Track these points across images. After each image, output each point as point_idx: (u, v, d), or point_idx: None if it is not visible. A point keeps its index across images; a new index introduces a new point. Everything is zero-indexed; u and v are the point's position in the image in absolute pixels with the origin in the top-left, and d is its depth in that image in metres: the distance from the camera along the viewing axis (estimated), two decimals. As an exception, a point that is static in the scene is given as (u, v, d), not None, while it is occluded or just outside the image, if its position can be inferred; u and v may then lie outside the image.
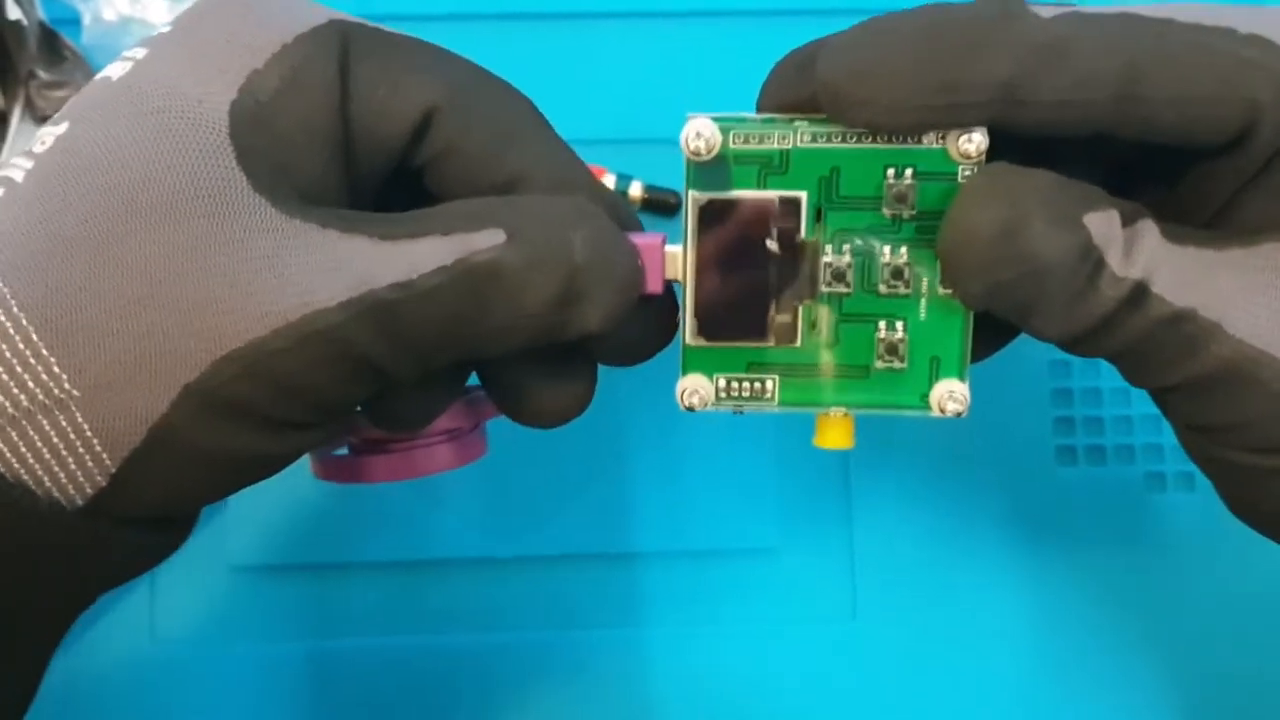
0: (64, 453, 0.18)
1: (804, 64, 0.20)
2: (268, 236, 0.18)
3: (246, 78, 0.19)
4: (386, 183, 0.22)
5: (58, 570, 0.19)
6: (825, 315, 0.21)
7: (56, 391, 0.18)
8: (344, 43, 0.20)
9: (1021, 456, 0.33)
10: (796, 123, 0.20)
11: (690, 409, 0.21)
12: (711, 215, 0.20)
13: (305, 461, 0.24)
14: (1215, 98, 0.19)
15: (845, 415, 0.21)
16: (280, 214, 0.19)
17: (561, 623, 0.32)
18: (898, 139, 0.20)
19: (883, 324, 0.21)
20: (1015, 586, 0.33)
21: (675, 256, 0.21)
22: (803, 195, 0.20)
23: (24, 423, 0.18)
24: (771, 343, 0.21)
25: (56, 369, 0.18)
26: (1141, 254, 0.19)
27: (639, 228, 0.22)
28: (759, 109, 0.21)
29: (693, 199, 0.21)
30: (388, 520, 0.32)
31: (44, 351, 0.18)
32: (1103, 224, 0.19)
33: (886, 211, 0.20)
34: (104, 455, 0.18)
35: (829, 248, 0.21)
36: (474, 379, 0.23)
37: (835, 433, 0.22)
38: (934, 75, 0.19)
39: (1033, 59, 0.18)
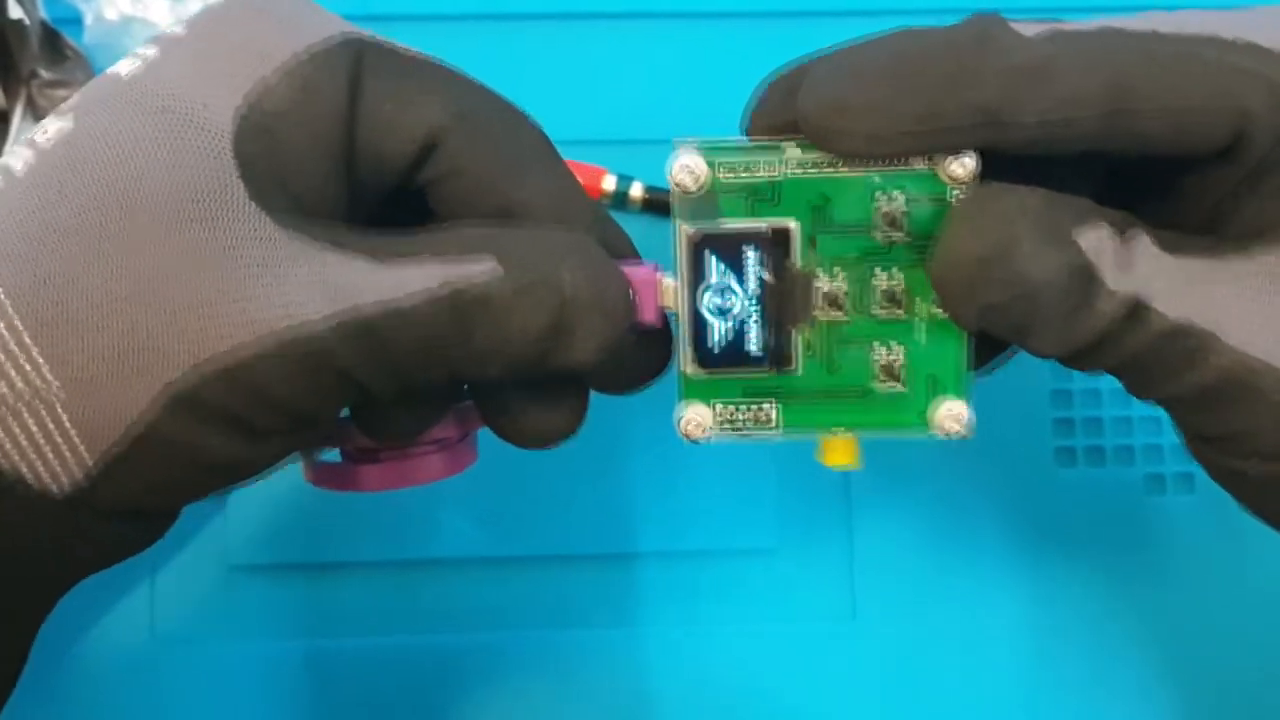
0: (43, 444, 0.18)
1: (789, 90, 0.20)
2: (260, 246, 0.18)
3: (254, 85, 0.19)
4: (389, 197, 0.22)
5: (39, 555, 0.19)
6: (823, 340, 0.21)
7: (38, 382, 0.18)
8: (356, 59, 0.20)
9: (1021, 457, 0.33)
10: (785, 149, 0.20)
11: (691, 439, 0.21)
12: (703, 246, 0.21)
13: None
14: (1206, 107, 0.19)
15: (849, 435, 0.21)
16: (275, 225, 0.19)
17: (561, 623, 0.32)
18: (886, 163, 0.20)
19: (880, 347, 0.21)
20: (1014, 587, 0.33)
21: (669, 287, 0.21)
22: (794, 224, 0.20)
23: (3, 410, 0.18)
24: (770, 370, 0.21)
25: (39, 358, 0.18)
26: (1136, 267, 0.19)
27: (636, 255, 0.22)
28: (747, 133, 0.21)
29: (683, 233, 0.21)
30: (386, 520, 0.32)
31: (27, 339, 0.18)
32: (1095, 239, 0.19)
33: (878, 235, 0.20)
34: (83, 449, 0.18)
35: (822, 273, 0.21)
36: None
37: (840, 452, 0.22)
38: (913, 106, 0.19)
39: (1014, 82, 0.18)
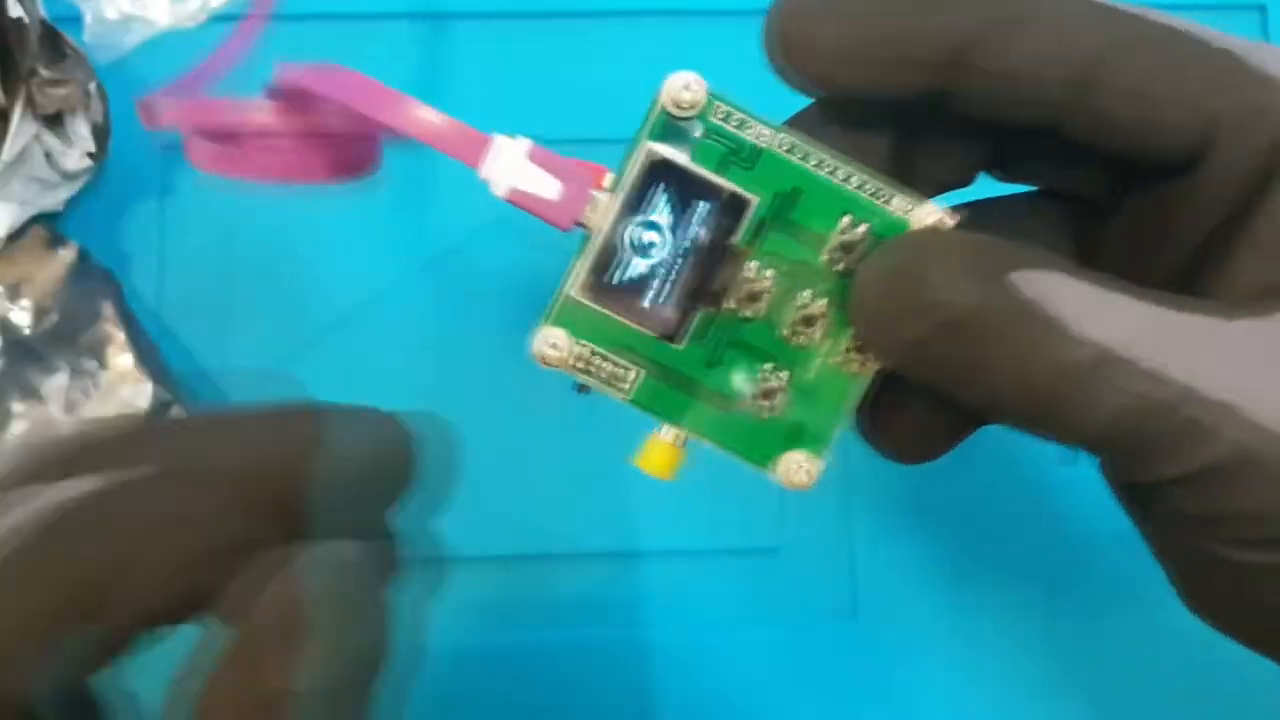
0: None
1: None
2: None
3: None
4: None
5: None
6: (718, 332, 0.20)
7: None
8: None
9: (1022, 456, 0.33)
10: (782, 131, 0.19)
11: (541, 360, 0.19)
12: (656, 176, 0.19)
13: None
14: (1176, 99, 0.18)
15: (678, 443, 0.20)
16: None
17: (561, 623, 0.32)
18: (865, 187, 0.19)
19: (768, 367, 0.20)
20: (1015, 587, 0.33)
21: (601, 202, 0.19)
22: (754, 200, 0.19)
23: None
24: (654, 333, 0.19)
25: None
26: (1106, 316, 0.17)
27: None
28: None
29: (646, 150, 0.19)
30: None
31: None
32: (1040, 281, 0.17)
33: (826, 255, 0.19)
34: None
35: (754, 264, 0.19)
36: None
37: (658, 459, 0.20)
38: (886, 25, 0.18)
39: (993, 22, 0.17)
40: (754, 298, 0.19)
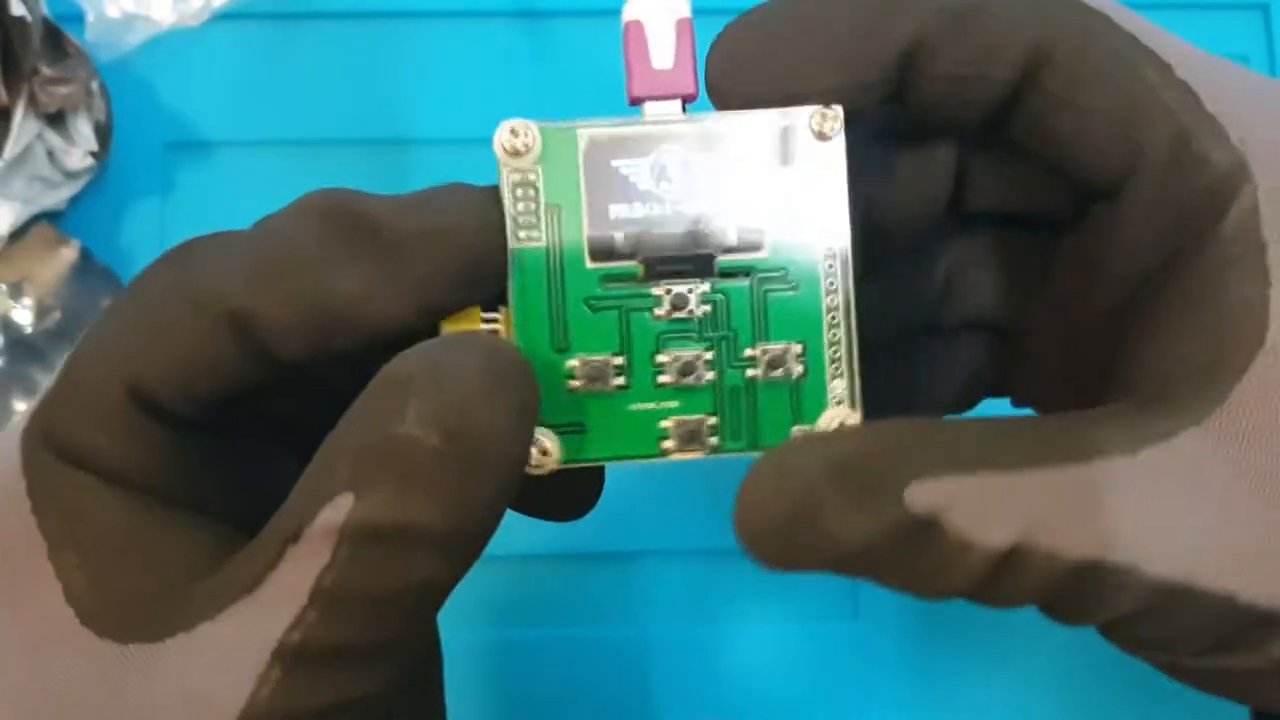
0: None
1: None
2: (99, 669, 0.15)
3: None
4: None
5: None
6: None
7: None
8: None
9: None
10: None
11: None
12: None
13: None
14: (1113, 119, 0.16)
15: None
16: (106, 642, 0.15)
17: (561, 622, 0.32)
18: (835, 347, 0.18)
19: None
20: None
21: (667, 112, 0.18)
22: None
23: None
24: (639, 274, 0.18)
25: None
26: (1007, 514, 0.15)
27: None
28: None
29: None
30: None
31: None
32: (938, 491, 0.15)
33: (756, 351, 0.18)
34: None
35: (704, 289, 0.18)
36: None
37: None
38: (829, 55, 0.17)
39: (937, 22, 0.16)
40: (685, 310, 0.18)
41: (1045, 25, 0.17)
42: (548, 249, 0.17)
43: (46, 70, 0.31)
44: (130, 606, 0.16)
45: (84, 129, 0.32)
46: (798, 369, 0.18)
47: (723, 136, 0.18)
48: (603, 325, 0.18)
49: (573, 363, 0.18)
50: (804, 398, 0.18)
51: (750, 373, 0.18)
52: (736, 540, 0.16)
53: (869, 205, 0.19)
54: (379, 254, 0.16)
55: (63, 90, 0.31)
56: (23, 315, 0.32)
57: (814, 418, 0.18)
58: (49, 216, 0.32)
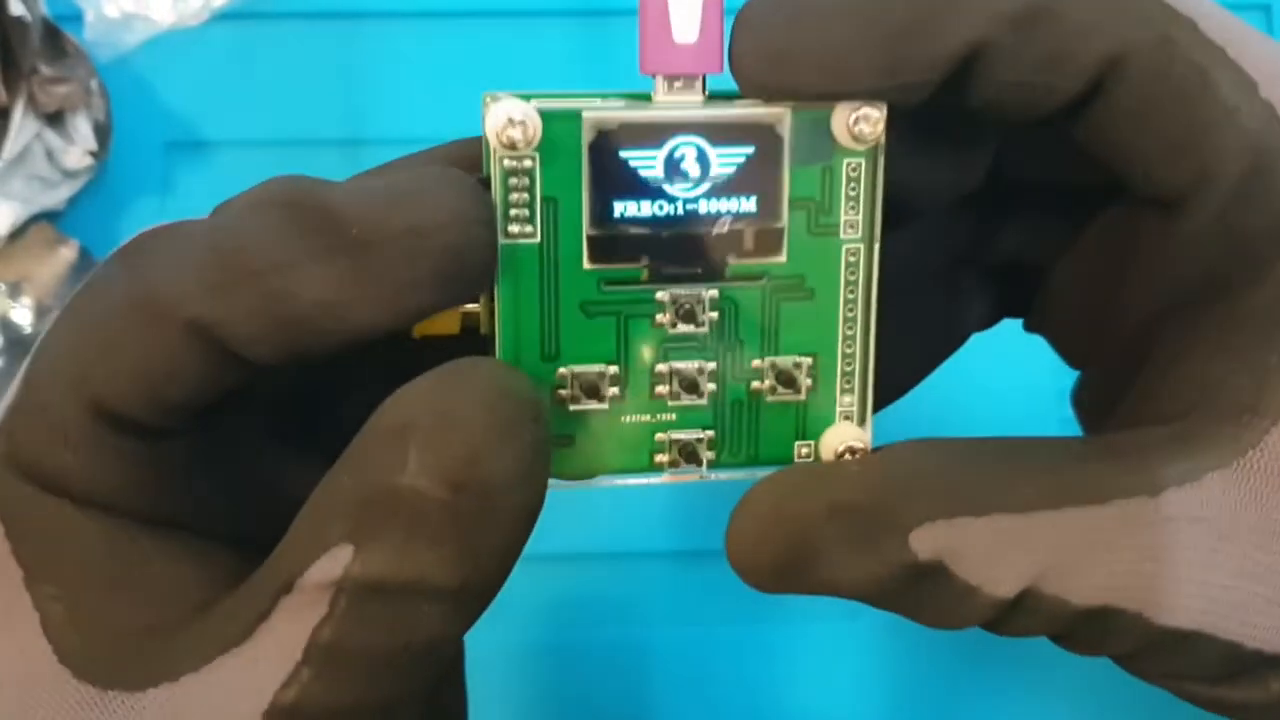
0: None
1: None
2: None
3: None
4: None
5: None
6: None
7: None
8: None
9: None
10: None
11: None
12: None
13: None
14: (1183, 143, 0.15)
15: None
16: (90, 688, 0.14)
17: (561, 623, 0.32)
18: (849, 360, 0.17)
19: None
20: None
21: (686, 92, 0.16)
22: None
23: None
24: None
25: None
26: (1018, 561, 0.15)
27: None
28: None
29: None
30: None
31: None
32: (946, 536, 0.15)
33: (764, 362, 0.16)
34: None
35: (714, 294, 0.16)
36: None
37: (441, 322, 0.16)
38: (874, 57, 0.15)
39: (1000, 27, 0.15)
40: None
41: (1122, 33, 0.15)
42: (541, 246, 0.16)
43: (46, 70, 0.31)
44: (111, 647, 0.14)
45: (83, 128, 0.32)
46: (806, 383, 0.16)
47: (746, 129, 0.16)
48: (598, 332, 0.16)
49: (563, 373, 0.16)
50: (809, 412, 0.17)
51: (755, 385, 0.16)
52: (729, 557, 0.16)
53: (899, 185, 0.17)
54: (349, 255, 0.14)
55: (62, 90, 0.31)
56: (22, 315, 0.32)
57: (819, 433, 0.17)
58: (48, 216, 0.32)
